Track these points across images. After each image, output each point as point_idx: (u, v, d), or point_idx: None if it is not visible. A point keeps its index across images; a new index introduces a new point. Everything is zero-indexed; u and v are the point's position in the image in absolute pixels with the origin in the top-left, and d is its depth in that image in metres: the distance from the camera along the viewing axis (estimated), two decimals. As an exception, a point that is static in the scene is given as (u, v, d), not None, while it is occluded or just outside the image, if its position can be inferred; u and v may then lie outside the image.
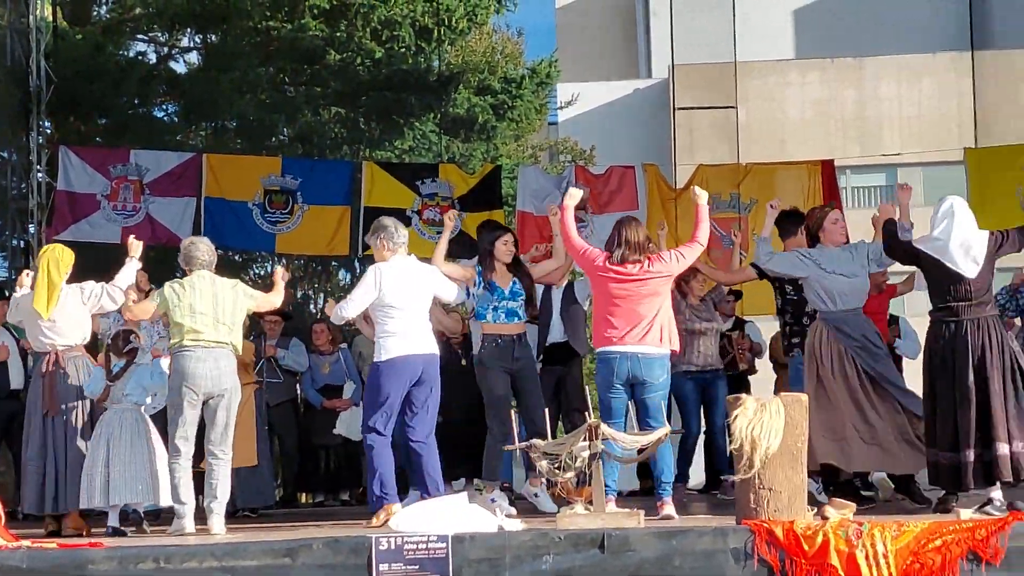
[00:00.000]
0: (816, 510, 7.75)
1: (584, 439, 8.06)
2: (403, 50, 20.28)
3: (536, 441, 8.23)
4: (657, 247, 9.42)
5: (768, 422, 7.69)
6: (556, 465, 8.24)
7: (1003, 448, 8.15)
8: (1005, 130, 29.22)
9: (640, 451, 8.47)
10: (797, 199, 14.90)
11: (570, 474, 8.23)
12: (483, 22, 22.87)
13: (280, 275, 9.48)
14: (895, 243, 8.92)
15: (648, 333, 8.78)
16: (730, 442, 7.79)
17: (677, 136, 29.01)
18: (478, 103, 21.38)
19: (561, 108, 31.38)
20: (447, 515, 7.83)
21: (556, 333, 11.07)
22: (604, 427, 8.08)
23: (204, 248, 9.18)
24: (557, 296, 10.95)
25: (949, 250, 8.48)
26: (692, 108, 25.96)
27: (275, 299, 9.42)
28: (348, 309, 9.11)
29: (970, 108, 28.83)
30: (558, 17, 37.32)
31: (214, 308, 8.98)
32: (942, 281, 8.51)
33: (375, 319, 9.11)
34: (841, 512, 7.73)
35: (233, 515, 10.64)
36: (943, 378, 8.40)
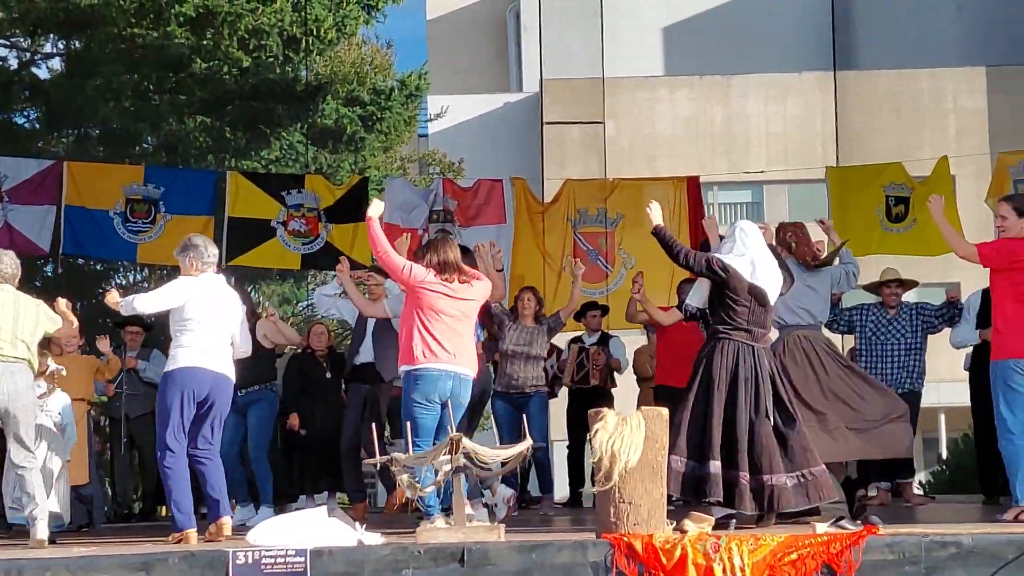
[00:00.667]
0: (675, 523, 7.79)
1: (446, 453, 8.02)
2: (270, 59, 20.15)
3: (397, 455, 8.17)
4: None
5: (628, 436, 7.71)
6: (416, 479, 8.20)
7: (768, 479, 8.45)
8: (867, 149, 29.80)
9: (503, 464, 8.46)
10: (663, 214, 15.02)
11: (430, 488, 8.19)
12: (352, 33, 22.77)
13: (63, 305, 9.24)
14: (697, 255, 8.89)
15: (465, 352, 8.83)
16: (591, 455, 7.81)
17: (547, 150, 29.17)
18: (346, 114, 21.30)
19: (431, 120, 31.35)
20: (306, 529, 7.75)
21: (366, 354, 11.15)
22: (466, 441, 8.05)
23: (8, 261, 8.98)
24: (371, 320, 10.95)
25: (757, 272, 8.65)
26: (561, 123, 26.09)
27: (68, 329, 9.26)
28: (143, 304, 8.86)
29: (835, 127, 29.34)
30: (429, 29, 37.30)
31: (14, 324, 8.79)
32: (740, 301, 8.64)
33: (172, 331, 8.90)
34: (700, 525, 7.77)
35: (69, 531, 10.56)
36: (706, 394, 8.58)
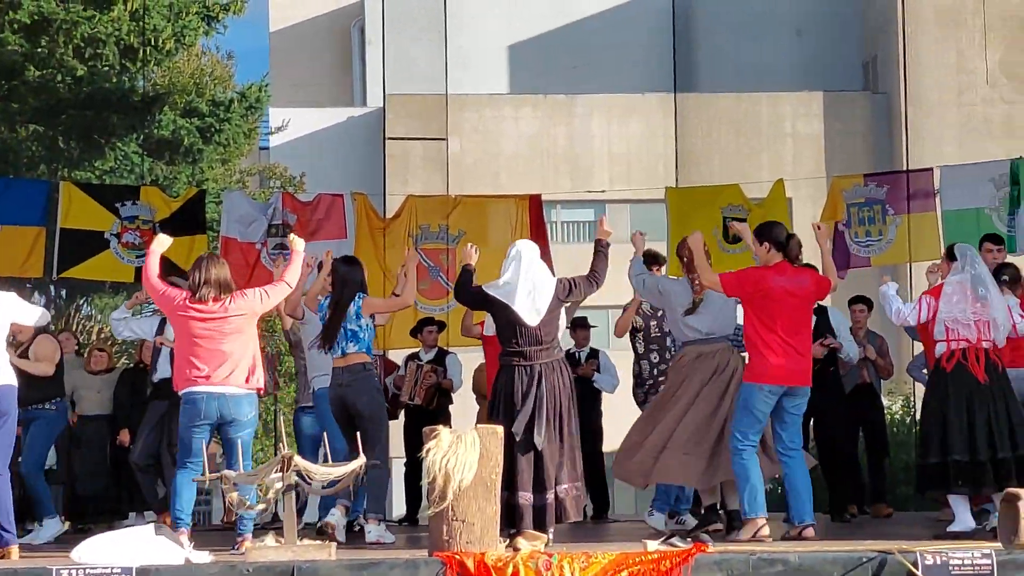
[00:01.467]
0: (508, 541, 7.77)
1: (277, 471, 7.91)
2: (107, 68, 19.76)
3: (227, 472, 8.04)
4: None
5: (463, 454, 7.68)
6: (248, 497, 8.08)
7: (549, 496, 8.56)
8: (707, 171, 30.21)
9: (335, 483, 8.37)
10: (505, 232, 15.06)
11: (261, 506, 8.07)
12: (191, 44, 22.45)
13: None
14: (462, 289, 9.09)
15: (233, 372, 8.72)
16: (425, 475, 7.77)
17: (390, 166, 29.05)
18: (184, 125, 20.98)
19: (272, 133, 31.05)
20: (133, 546, 7.58)
21: (164, 371, 11.13)
22: (298, 459, 7.95)
23: None
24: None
25: (516, 296, 8.71)
26: (403, 139, 26.01)
27: None
28: None
29: (679, 147, 29.67)
30: (272, 41, 36.96)
31: None
32: (510, 325, 8.75)
33: None
34: (532, 543, 7.77)
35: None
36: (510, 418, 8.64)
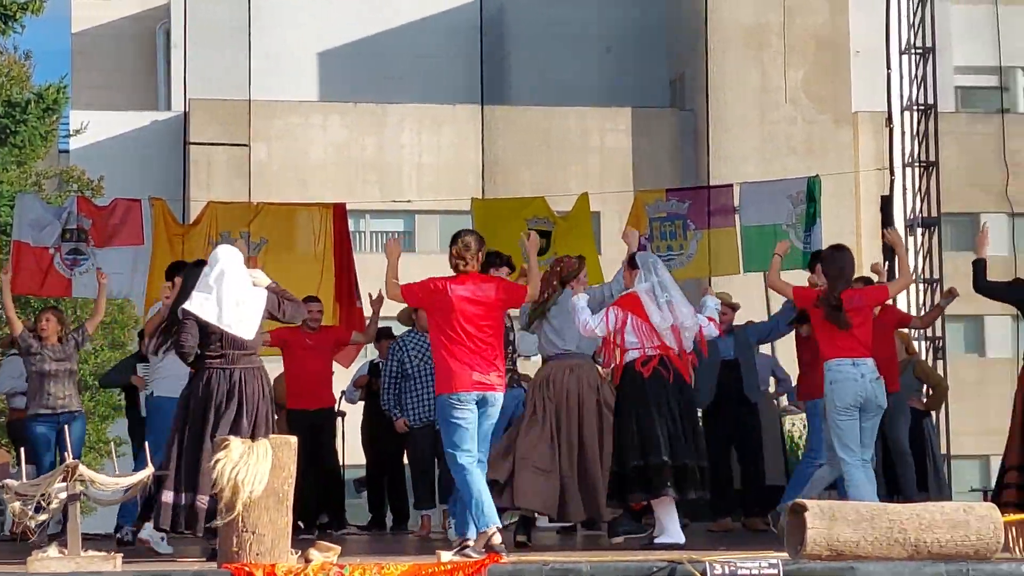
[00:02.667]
0: (300, 553, 7.67)
1: (61, 480, 7.69)
2: None
3: (8, 481, 7.80)
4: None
5: (254, 465, 7.56)
6: (30, 506, 7.84)
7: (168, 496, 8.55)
8: (516, 183, 30.36)
9: (126, 491, 8.21)
10: (309, 241, 14.92)
11: (44, 516, 7.84)
12: (-15, 42, 21.78)
13: None
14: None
15: None
16: (214, 486, 7.62)
17: (194, 172, 28.60)
18: (-23, 125, 20.33)
19: (71, 136, 30.27)
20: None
21: None
22: (83, 468, 7.74)
23: None
24: None
25: (223, 307, 8.67)
26: (206, 144, 25.62)
27: None
28: None
29: (489, 159, 29.79)
30: (75, 42, 36.13)
31: None
32: (212, 332, 8.70)
33: None
34: (325, 555, 7.67)
35: None
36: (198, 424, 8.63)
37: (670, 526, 9.19)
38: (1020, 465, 9.53)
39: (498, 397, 8.93)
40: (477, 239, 9.02)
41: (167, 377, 10.03)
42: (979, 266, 9.97)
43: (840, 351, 9.30)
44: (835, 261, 9.59)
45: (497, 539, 8.54)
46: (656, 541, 9.09)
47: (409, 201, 28.83)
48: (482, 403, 8.85)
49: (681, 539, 9.20)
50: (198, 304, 8.63)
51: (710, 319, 9.54)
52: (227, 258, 8.78)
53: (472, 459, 8.78)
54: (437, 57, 35.49)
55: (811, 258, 11.82)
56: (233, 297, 8.65)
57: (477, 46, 34.64)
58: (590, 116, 34.38)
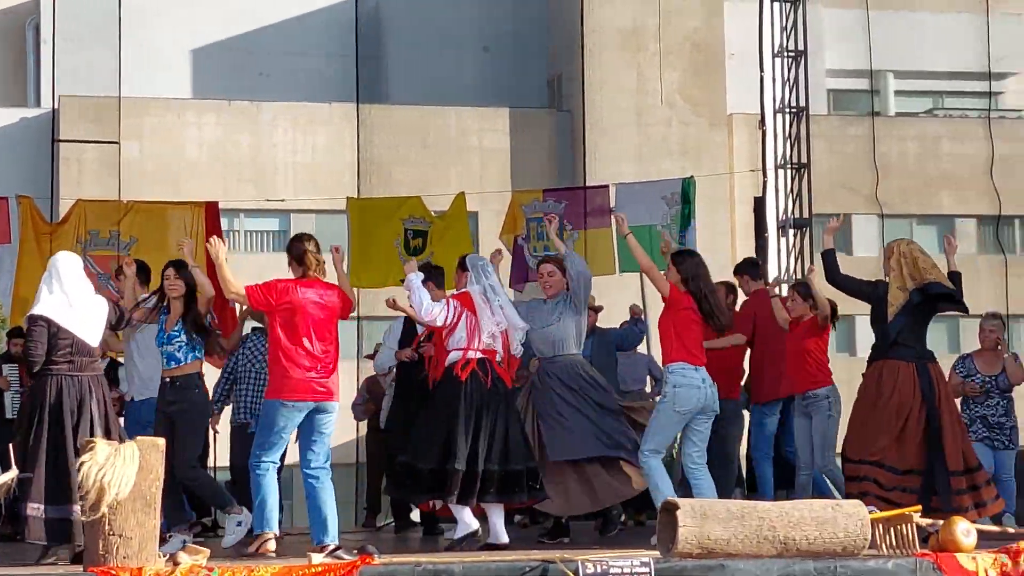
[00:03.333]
0: (168, 556, 7.56)
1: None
2: None
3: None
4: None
5: (120, 468, 7.44)
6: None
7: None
8: (394, 183, 30.23)
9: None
10: (180, 240, 14.73)
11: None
12: None
13: None
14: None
15: None
16: (80, 487, 7.49)
17: (64, 170, 28.09)
18: None
19: (-64, 134, 29.69)
20: None
21: None
22: (-56, 471, 7.56)
23: None
24: None
25: (75, 313, 8.61)
26: (75, 141, 25.18)
27: None
28: None
29: (365, 158, 29.60)
30: (-59, 38, 35.48)
31: None
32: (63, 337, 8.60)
33: None
34: (194, 557, 7.57)
35: None
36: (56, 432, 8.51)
37: (464, 516, 9.05)
38: (874, 461, 9.60)
39: (334, 406, 8.85)
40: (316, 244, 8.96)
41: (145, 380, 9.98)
42: (830, 258, 9.96)
43: (690, 357, 9.30)
44: (694, 265, 9.58)
45: (272, 545, 8.49)
46: (457, 537, 8.98)
47: (283, 200, 28.59)
48: (318, 411, 8.77)
49: (475, 525, 9.10)
50: (51, 309, 8.49)
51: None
52: (69, 265, 8.68)
53: (275, 466, 8.77)
54: (313, 55, 35.26)
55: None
56: (81, 303, 8.55)
57: (353, 44, 34.44)
58: (468, 116, 34.37)
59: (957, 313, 10.30)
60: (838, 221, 10.33)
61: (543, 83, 36.42)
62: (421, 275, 9.38)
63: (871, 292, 9.89)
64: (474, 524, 9.01)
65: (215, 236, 9.28)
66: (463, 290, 9.40)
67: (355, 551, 7.90)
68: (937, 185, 34.70)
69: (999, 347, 11.72)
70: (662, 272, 9.76)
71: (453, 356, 9.16)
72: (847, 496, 9.38)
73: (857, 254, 31.86)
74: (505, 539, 9.09)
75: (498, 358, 9.28)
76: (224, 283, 8.86)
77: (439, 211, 16.03)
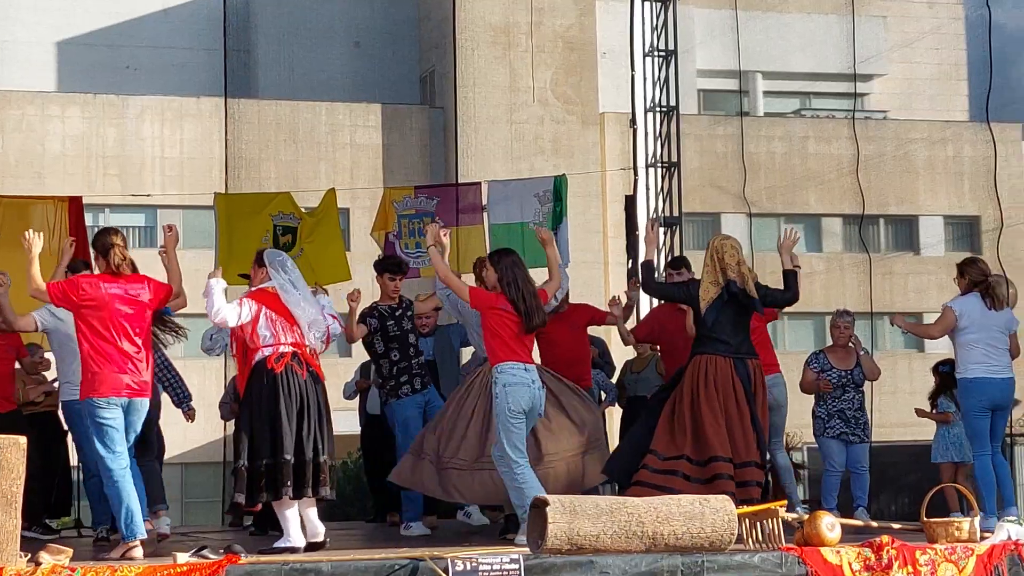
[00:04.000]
0: (30, 556, 7.40)
1: None
2: None
3: None
4: None
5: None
6: None
7: None
8: (263, 178, 30.02)
9: None
10: (44, 235, 14.43)
11: None
12: None
13: None
14: None
15: None
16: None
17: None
18: None
19: None
20: None
21: None
22: None
23: None
24: None
25: None
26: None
27: None
28: None
29: (234, 153, 29.31)
30: None
31: None
32: None
33: None
34: (56, 558, 7.42)
35: None
36: None
37: (291, 530, 8.76)
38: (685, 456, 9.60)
39: (144, 403, 8.74)
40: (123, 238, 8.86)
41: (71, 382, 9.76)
42: (647, 268, 9.95)
43: (515, 356, 9.21)
44: (510, 265, 9.48)
45: (139, 552, 8.34)
46: (275, 546, 8.75)
47: (149, 195, 28.21)
48: (129, 409, 8.66)
49: (300, 543, 8.76)
50: None
51: (334, 317, 9.28)
52: None
53: (124, 463, 8.58)
54: (180, 49, 34.86)
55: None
56: None
57: (221, 38, 34.09)
58: (339, 111, 34.19)
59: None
60: (654, 231, 10.34)
61: (415, 79, 36.36)
62: (223, 282, 9.17)
63: (684, 294, 9.93)
64: (299, 543, 8.73)
65: (33, 231, 9.04)
66: (259, 287, 9.12)
67: (221, 550, 7.79)
68: (804, 184, 35.24)
69: (852, 343, 11.90)
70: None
71: (264, 352, 8.90)
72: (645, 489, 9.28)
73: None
74: (300, 543, 8.79)
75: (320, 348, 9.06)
76: (28, 279, 8.66)
77: (309, 207, 15.88)
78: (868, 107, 37.24)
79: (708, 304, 9.67)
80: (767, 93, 38.00)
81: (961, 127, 36.91)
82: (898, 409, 24.06)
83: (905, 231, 35.99)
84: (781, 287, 10.09)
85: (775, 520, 8.31)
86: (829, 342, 12.08)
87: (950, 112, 38.28)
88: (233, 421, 12.52)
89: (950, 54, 39.25)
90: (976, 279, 10.33)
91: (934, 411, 12.66)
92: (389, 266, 11.42)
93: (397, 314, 11.22)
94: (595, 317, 11.35)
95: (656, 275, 10.15)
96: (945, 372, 11.61)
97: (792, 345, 31.42)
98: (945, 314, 10.24)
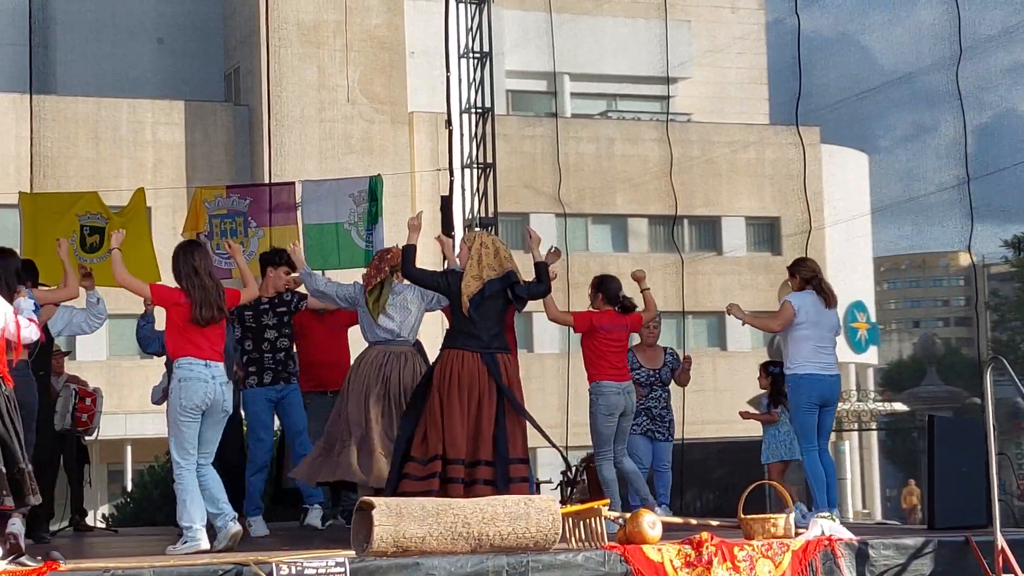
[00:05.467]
0: None
1: None
2: None
3: None
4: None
5: None
6: None
7: None
8: (64, 176, 29.33)
9: None
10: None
11: None
12: None
13: None
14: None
15: None
16: None
17: None
18: None
19: None
20: None
21: None
22: None
23: None
24: None
25: None
26: None
27: None
28: None
29: (34, 152, 28.56)
30: None
31: None
32: None
33: None
34: None
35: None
36: None
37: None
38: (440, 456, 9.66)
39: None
40: None
41: None
42: (409, 252, 9.83)
43: (195, 350, 8.97)
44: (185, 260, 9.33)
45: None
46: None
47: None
48: None
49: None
50: None
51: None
52: None
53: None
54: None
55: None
56: None
57: (19, 33, 33.23)
58: (143, 109, 33.62)
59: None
60: (417, 220, 10.39)
61: (219, 76, 35.92)
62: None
63: (443, 283, 9.92)
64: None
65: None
66: None
67: (39, 557, 7.58)
68: (612, 185, 35.73)
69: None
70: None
71: None
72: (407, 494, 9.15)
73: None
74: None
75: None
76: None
77: (116, 207, 15.59)
78: (673, 110, 37.93)
79: (469, 298, 9.69)
80: (574, 95, 38.45)
81: (763, 130, 37.85)
82: (704, 407, 24.59)
83: (709, 232, 36.76)
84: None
85: (598, 519, 8.40)
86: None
87: (752, 115, 39.21)
88: None
89: (752, 59, 40.22)
90: (807, 276, 10.57)
91: (759, 411, 12.80)
92: (267, 257, 11.59)
93: (262, 307, 11.19)
94: (353, 319, 11.21)
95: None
96: (776, 373, 11.82)
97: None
98: (784, 307, 10.43)
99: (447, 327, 9.97)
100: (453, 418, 9.49)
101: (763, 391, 12.29)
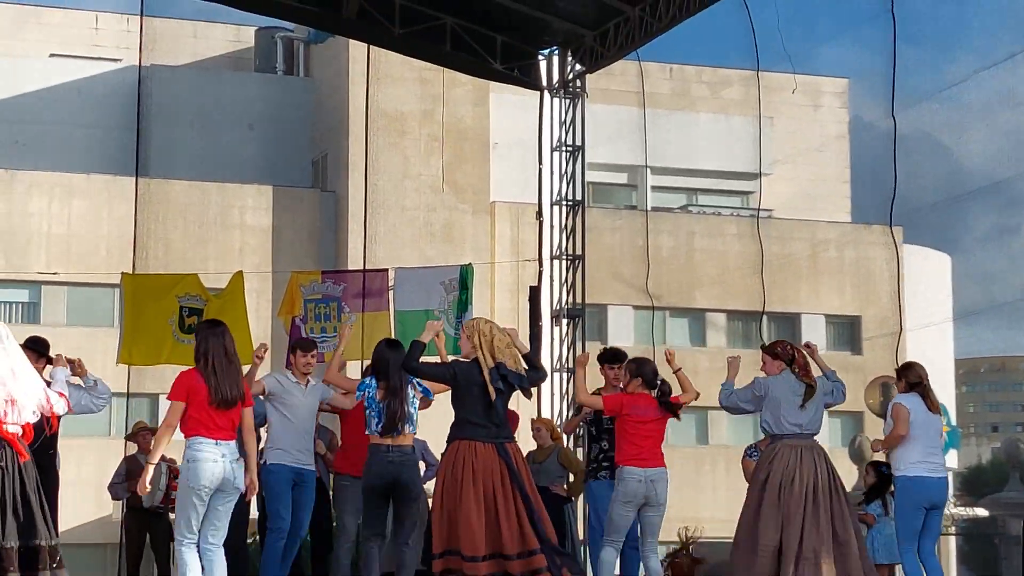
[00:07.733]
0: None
1: None
2: None
3: None
4: None
5: None
6: None
7: None
8: (154, 257, 29.78)
9: None
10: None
11: None
12: None
13: None
14: None
15: None
16: None
17: None
18: None
19: None
20: None
21: None
22: None
23: None
24: None
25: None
26: None
27: None
28: None
29: (123, 232, 29.07)
30: None
31: None
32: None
33: None
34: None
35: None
36: None
37: None
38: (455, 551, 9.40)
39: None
40: None
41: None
42: (416, 348, 9.69)
43: (205, 430, 8.71)
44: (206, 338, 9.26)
45: None
46: None
47: (57, 273, 27.86)
48: None
49: None
50: None
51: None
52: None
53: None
54: (72, 125, 34.63)
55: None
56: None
57: (115, 115, 33.95)
58: (232, 193, 34.13)
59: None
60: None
61: (307, 162, 36.44)
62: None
63: (450, 374, 9.70)
64: None
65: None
66: None
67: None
68: (691, 279, 35.76)
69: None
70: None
71: None
72: None
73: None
74: None
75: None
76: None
77: (214, 289, 15.90)
78: (754, 205, 38.00)
79: (492, 383, 9.48)
80: (654, 188, 38.63)
81: (845, 228, 37.82)
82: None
83: (788, 329, 36.66)
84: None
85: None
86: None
87: (833, 213, 39.20)
88: (138, 497, 12.42)
89: (835, 157, 40.30)
90: (913, 381, 10.64)
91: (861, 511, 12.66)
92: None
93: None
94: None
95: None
96: (886, 473, 11.80)
97: (674, 439, 31.75)
98: (899, 410, 10.45)
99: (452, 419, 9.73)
100: (470, 511, 9.29)
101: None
